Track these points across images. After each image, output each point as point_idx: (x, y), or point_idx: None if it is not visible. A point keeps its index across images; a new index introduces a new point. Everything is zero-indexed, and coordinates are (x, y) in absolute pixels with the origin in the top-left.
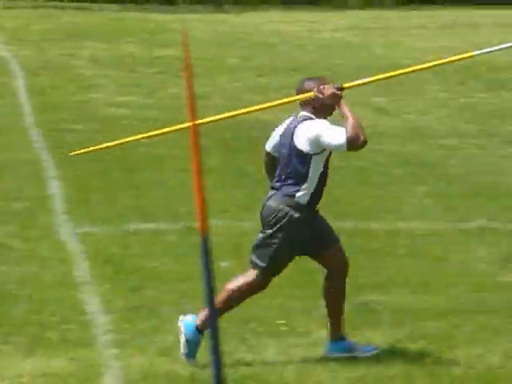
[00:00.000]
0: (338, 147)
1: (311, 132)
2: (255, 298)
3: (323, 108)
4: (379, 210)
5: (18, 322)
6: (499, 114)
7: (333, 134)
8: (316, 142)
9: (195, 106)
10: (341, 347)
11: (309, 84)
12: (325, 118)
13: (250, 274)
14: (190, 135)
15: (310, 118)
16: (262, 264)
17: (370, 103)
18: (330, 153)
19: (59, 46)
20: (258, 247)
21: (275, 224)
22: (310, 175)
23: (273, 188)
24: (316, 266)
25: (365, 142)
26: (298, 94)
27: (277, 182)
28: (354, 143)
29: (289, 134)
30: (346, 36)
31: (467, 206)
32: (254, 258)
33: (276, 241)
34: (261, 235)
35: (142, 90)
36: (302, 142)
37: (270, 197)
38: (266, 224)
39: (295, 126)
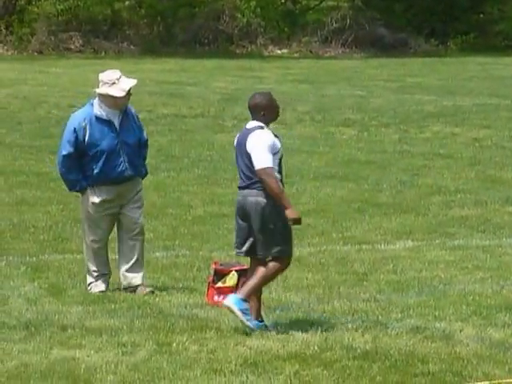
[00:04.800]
0: (254, 166)
1: (253, 142)
2: None
3: (268, 116)
4: None
5: None
6: None
7: (259, 155)
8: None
9: None
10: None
11: (259, 97)
12: (270, 122)
13: (274, 265)
14: None
15: (260, 127)
16: (280, 251)
17: None
18: (280, 161)
19: None
20: (265, 241)
21: (264, 215)
22: None
23: (241, 188)
24: None
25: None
26: (249, 108)
27: (243, 183)
28: (263, 174)
29: (243, 142)
30: None
31: None
32: (269, 251)
33: (272, 226)
34: (257, 232)
35: None
36: (249, 148)
37: (246, 196)
38: (253, 219)
39: (248, 134)
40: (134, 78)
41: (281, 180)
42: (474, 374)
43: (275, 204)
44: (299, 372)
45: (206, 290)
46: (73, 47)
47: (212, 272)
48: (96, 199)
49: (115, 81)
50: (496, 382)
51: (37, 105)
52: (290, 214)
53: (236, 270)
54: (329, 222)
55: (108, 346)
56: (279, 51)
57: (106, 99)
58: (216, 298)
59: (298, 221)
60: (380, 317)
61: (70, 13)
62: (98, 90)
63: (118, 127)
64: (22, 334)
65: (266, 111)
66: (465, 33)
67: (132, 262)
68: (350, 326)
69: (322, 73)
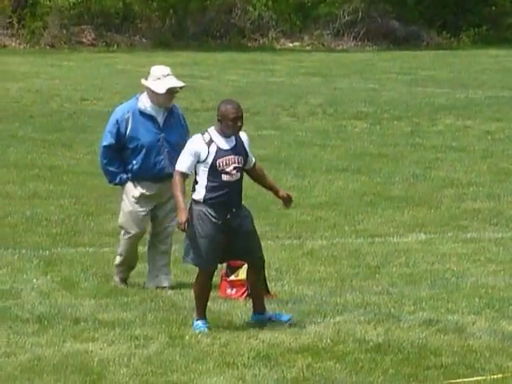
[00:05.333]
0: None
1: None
2: None
3: (223, 124)
4: None
5: None
6: None
7: (181, 157)
8: None
9: None
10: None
11: (222, 104)
12: (226, 131)
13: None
14: None
15: (202, 132)
16: (192, 259)
17: None
18: (214, 158)
19: None
20: (184, 246)
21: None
22: (198, 181)
23: None
24: None
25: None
26: (218, 113)
27: None
28: (174, 176)
29: None
30: None
31: None
32: (184, 257)
33: (188, 231)
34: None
35: None
36: None
37: None
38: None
39: None
40: (183, 82)
41: (238, 193)
42: (487, 367)
43: (195, 210)
44: (312, 365)
45: (219, 283)
46: (85, 40)
47: (224, 265)
48: (136, 193)
49: (161, 77)
50: (509, 374)
51: (49, 98)
52: (178, 216)
53: None
54: (341, 215)
55: (121, 339)
56: (291, 44)
57: (149, 93)
58: (229, 291)
59: (180, 225)
60: (392, 310)
61: (82, 6)
62: (142, 81)
63: (161, 124)
64: (34, 327)
65: (221, 119)
66: (477, 25)
67: (162, 264)
68: (362, 318)
69: (334, 66)
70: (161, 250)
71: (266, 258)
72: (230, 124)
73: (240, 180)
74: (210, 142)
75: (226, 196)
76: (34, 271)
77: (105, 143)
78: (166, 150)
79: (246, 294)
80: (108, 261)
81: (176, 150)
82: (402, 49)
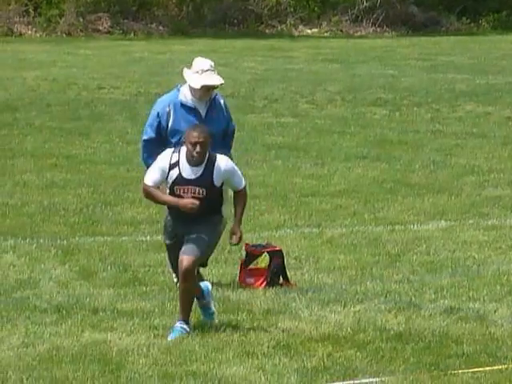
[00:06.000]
0: None
1: None
2: None
3: (186, 147)
4: None
5: None
6: None
7: (150, 169)
8: None
9: None
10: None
11: (190, 126)
12: (187, 156)
13: None
14: None
15: (172, 148)
16: None
17: None
18: (173, 183)
19: None
20: None
21: None
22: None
23: None
24: None
25: (145, 196)
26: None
27: None
28: (143, 189)
29: None
30: None
31: None
32: None
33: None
34: None
35: None
36: None
37: None
38: None
39: None
40: (222, 79)
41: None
42: (509, 355)
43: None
44: (332, 354)
45: (238, 272)
46: (101, 28)
47: (244, 254)
48: None
49: (200, 71)
50: None
51: (66, 87)
52: (180, 205)
53: (268, 252)
54: (361, 202)
55: (140, 328)
56: (309, 31)
57: (188, 85)
58: (248, 279)
59: (193, 205)
60: (413, 298)
61: None
62: (184, 71)
63: (203, 116)
64: (53, 317)
65: (184, 141)
66: (497, 11)
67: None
68: (383, 307)
69: (352, 52)
70: None
71: (285, 246)
72: (189, 148)
73: (205, 199)
74: (174, 165)
75: (183, 215)
76: (52, 261)
77: (145, 137)
78: None
79: (265, 283)
80: (126, 250)
81: (218, 142)
82: (421, 35)
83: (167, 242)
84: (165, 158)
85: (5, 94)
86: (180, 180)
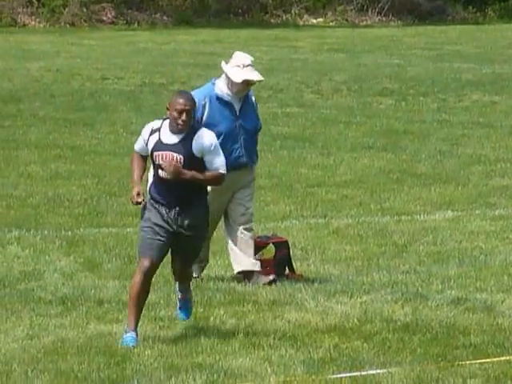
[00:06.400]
0: None
1: None
2: None
3: (170, 114)
4: None
5: None
6: None
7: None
8: None
9: None
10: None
11: (174, 93)
12: (172, 123)
13: None
14: None
15: (157, 119)
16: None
17: None
18: (152, 149)
19: None
20: None
21: None
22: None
23: None
24: None
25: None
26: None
27: None
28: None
29: None
30: None
31: None
32: None
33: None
34: None
35: None
36: None
37: None
38: None
39: None
40: (262, 76)
41: (183, 190)
42: None
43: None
44: (339, 345)
45: None
46: (105, 19)
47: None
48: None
49: (241, 65)
50: None
51: (70, 77)
52: (165, 167)
53: (273, 243)
54: (367, 193)
55: (145, 320)
56: (314, 20)
57: (226, 78)
58: None
59: (131, 198)
60: (420, 288)
61: None
62: (222, 64)
63: (238, 111)
64: (58, 308)
65: (169, 108)
66: None
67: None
68: (389, 298)
69: (358, 42)
70: (244, 240)
71: (291, 237)
72: (175, 115)
73: (185, 169)
74: (154, 131)
75: (165, 192)
76: (57, 252)
77: None
78: (242, 137)
79: (272, 274)
80: (131, 241)
81: (251, 138)
82: (427, 24)
83: (153, 220)
84: (148, 125)
85: (9, 84)
86: (159, 145)
